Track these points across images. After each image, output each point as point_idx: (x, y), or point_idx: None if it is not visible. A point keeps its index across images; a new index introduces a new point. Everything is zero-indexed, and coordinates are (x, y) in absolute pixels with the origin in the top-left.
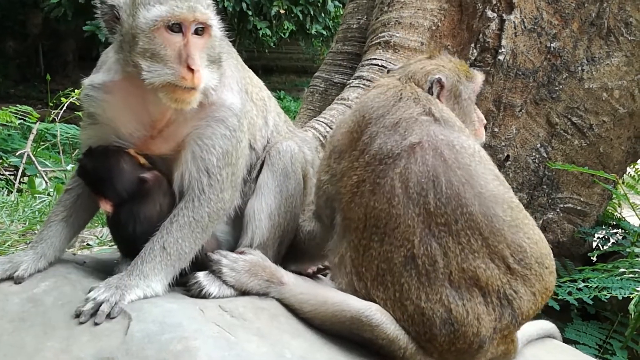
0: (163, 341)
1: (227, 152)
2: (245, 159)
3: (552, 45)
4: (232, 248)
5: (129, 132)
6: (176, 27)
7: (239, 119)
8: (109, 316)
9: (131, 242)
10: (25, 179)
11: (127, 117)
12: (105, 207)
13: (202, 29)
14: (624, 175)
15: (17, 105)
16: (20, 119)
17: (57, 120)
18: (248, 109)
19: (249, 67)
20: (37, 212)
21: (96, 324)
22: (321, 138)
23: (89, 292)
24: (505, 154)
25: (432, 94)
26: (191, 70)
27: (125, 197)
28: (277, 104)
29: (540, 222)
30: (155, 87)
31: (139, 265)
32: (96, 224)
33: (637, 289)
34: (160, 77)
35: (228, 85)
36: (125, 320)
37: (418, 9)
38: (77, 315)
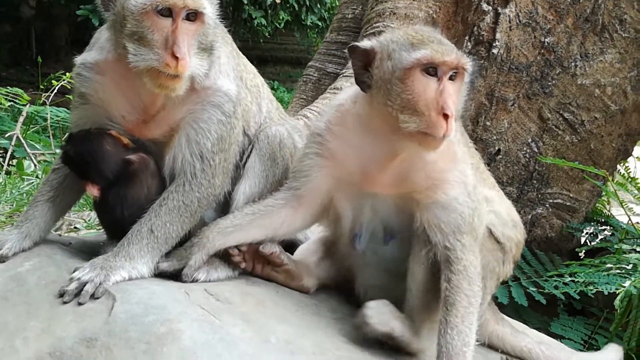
0: (147, 323)
1: (221, 138)
2: (238, 146)
3: (546, 40)
4: None
5: (121, 114)
6: (166, 11)
7: (235, 105)
8: (93, 296)
9: (119, 224)
10: (14, 161)
11: (119, 100)
12: (92, 191)
13: (194, 15)
14: (614, 172)
15: (8, 87)
16: (10, 101)
17: (47, 103)
18: (243, 95)
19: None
20: (24, 194)
21: (80, 304)
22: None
23: (74, 272)
24: (496, 148)
25: None
26: (175, 57)
27: (111, 180)
28: (269, 91)
29: (529, 216)
30: (140, 71)
31: (126, 247)
32: (84, 208)
33: (623, 284)
34: (144, 62)
35: (225, 71)
36: (110, 301)
37: (413, 0)
38: (61, 295)
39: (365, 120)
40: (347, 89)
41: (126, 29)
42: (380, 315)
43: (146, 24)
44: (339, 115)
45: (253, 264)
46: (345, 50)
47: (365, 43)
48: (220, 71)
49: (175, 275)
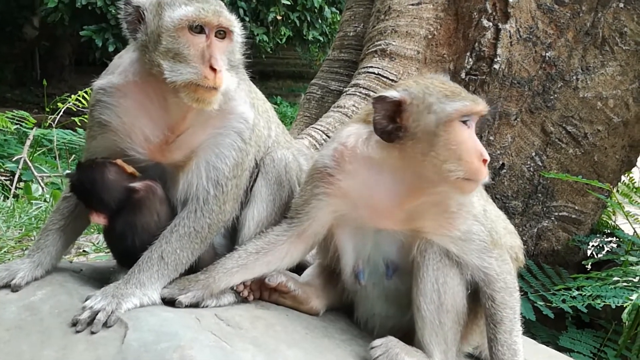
0: (159, 350)
1: (237, 165)
2: (249, 171)
3: (547, 54)
4: None
5: (144, 137)
6: (199, 28)
7: (251, 132)
8: (105, 325)
9: (130, 253)
10: (22, 184)
11: (143, 121)
12: (98, 219)
13: (223, 33)
14: (619, 183)
15: (13, 110)
16: (16, 124)
17: (53, 125)
18: (256, 121)
19: (246, 72)
20: (33, 218)
21: (92, 332)
22: (317, 145)
23: (86, 300)
24: (501, 162)
25: None
26: (213, 70)
27: (114, 208)
28: (276, 115)
29: (535, 230)
30: (177, 87)
31: (136, 274)
32: (92, 230)
33: (631, 297)
34: (182, 76)
35: (243, 97)
36: (122, 329)
37: (414, 18)
38: (74, 324)
39: (381, 163)
40: (350, 129)
41: (161, 46)
42: (387, 354)
43: (181, 40)
44: (351, 155)
45: (260, 292)
46: (372, 99)
47: (393, 93)
48: (240, 97)
49: (172, 301)
